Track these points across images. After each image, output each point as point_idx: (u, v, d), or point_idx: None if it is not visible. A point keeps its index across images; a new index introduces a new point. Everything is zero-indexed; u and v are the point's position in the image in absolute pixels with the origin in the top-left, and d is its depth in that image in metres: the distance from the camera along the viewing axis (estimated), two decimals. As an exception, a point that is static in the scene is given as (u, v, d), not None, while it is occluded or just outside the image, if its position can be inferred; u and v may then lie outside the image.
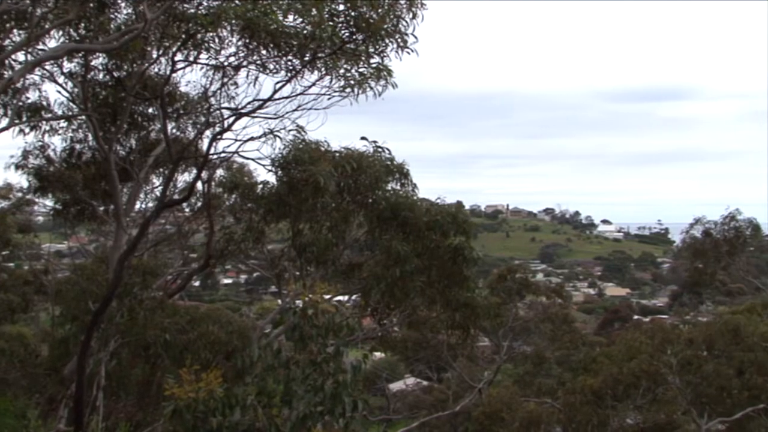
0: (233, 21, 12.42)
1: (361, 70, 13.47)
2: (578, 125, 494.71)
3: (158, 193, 20.44)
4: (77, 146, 19.72)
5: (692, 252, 31.16)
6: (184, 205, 22.06)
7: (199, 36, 13.02)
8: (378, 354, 41.37)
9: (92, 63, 16.38)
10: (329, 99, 13.89)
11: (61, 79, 16.79)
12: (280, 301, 21.23)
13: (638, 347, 26.11)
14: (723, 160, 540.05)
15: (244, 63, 13.64)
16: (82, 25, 14.10)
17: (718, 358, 25.62)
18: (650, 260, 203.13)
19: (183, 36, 13.10)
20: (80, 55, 15.68)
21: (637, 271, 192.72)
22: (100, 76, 16.97)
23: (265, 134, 14.29)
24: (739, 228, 29.50)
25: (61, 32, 14.33)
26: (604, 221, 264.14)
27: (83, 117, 17.56)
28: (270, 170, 15.83)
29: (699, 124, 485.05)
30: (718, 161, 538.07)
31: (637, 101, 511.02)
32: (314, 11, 12.43)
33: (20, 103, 17.21)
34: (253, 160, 15.15)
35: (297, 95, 13.91)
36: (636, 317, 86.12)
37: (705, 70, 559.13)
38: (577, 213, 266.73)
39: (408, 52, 13.18)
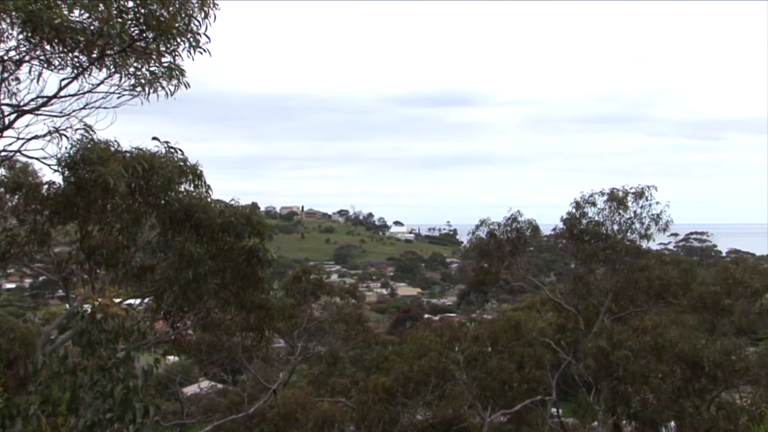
0: (13, 13, 11.81)
1: (152, 69, 13.17)
2: (372, 128, 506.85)
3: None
4: None
5: (478, 252, 32.30)
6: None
7: (-26, 28, 12.29)
8: (171, 358, 40.50)
9: None
10: (119, 98, 13.49)
11: None
12: (67, 306, 20.40)
13: (428, 345, 27.00)
14: (508, 164, 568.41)
15: (27, 58, 12.99)
16: None
17: (501, 354, 26.96)
18: (440, 260, 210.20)
19: (-44, 27, 12.32)
20: None
21: (428, 271, 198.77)
22: None
23: (50, 133, 13.68)
24: (520, 229, 30.93)
25: None
26: (397, 223, 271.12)
27: None
28: (56, 170, 15.17)
29: (486, 130, 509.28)
30: (504, 165, 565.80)
31: (428, 106, 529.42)
32: (102, 6, 12.04)
33: None
34: (37, 159, 14.45)
35: (85, 93, 13.42)
36: (426, 316, 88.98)
37: (491, 77, 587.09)
38: (370, 215, 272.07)
39: (201, 52, 13.03)
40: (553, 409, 28.65)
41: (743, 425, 22.00)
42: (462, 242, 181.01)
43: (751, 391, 25.31)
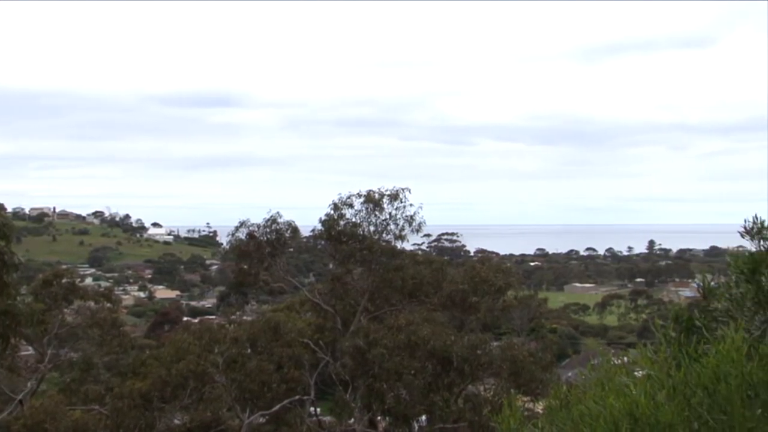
0: None
1: None
2: (131, 128, 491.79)
3: None
4: None
5: (238, 254, 32.06)
6: None
7: None
8: None
9: None
10: None
11: None
12: None
13: (187, 348, 26.69)
14: (269, 166, 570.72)
15: None
16: None
17: (261, 355, 27.09)
18: (199, 262, 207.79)
19: None
20: None
21: (187, 273, 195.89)
22: None
23: None
24: (279, 230, 30.95)
25: None
26: (155, 224, 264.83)
27: None
28: None
29: (247, 131, 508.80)
30: (265, 167, 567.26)
31: (188, 106, 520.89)
32: None
33: None
34: None
35: None
36: (186, 319, 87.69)
37: (251, 79, 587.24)
38: (127, 216, 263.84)
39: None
40: (312, 408, 29.15)
41: (486, 416, 23.44)
42: (222, 244, 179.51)
43: (494, 383, 27.04)
